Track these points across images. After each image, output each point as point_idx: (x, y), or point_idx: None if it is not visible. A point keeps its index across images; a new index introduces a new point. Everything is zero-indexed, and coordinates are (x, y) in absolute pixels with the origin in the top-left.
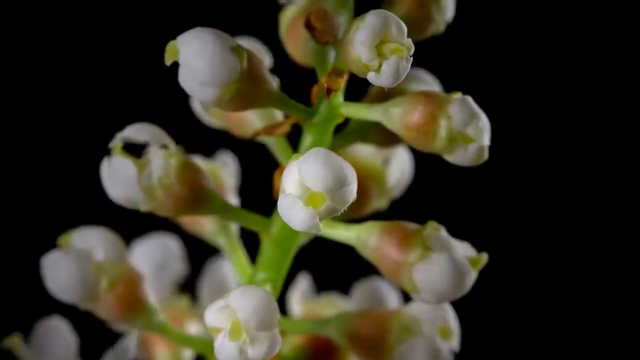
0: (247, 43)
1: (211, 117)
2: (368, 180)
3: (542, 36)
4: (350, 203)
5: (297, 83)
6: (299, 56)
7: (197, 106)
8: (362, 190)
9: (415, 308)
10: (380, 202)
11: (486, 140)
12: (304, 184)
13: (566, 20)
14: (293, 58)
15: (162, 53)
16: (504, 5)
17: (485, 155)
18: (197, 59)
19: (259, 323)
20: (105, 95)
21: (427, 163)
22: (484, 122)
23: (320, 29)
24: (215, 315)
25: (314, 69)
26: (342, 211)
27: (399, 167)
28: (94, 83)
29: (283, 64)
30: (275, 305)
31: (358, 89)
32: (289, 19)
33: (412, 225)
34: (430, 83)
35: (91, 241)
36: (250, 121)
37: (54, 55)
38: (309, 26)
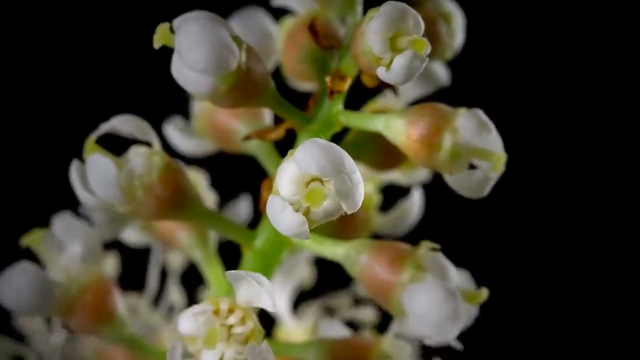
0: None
1: (191, 136)
2: None
3: (547, 64)
4: (357, 204)
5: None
6: (297, 66)
7: (172, 134)
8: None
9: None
10: (364, 232)
11: (496, 168)
12: (300, 180)
13: (575, 40)
14: (288, 72)
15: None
16: (508, 28)
17: (488, 188)
18: (196, 44)
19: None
20: (70, 107)
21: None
22: (495, 136)
23: (324, 33)
24: (190, 322)
25: (306, 94)
26: (341, 213)
27: (408, 209)
28: (61, 86)
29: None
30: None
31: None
32: (288, 29)
33: (405, 246)
34: (441, 77)
35: (72, 233)
36: (238, 130)
37: (37, 54)
38: (312, 30)
